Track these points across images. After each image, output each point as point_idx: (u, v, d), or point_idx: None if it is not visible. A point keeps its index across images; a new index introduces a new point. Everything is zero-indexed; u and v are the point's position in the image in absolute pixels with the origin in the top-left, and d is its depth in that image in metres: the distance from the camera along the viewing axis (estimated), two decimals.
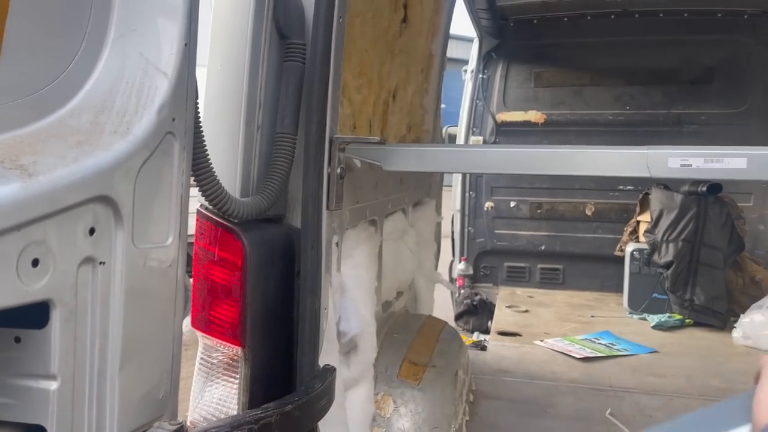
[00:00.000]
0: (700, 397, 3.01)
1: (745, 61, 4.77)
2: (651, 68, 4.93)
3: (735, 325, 3.91)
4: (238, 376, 1.03)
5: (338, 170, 1.13)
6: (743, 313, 3.94)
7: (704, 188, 4.23)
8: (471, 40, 5.45)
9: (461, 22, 4.79)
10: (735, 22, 4.81)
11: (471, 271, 5.32)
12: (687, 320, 4.19)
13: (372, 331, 1.90)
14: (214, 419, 0.99)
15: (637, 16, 4.93)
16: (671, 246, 4.27)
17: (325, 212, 1.10)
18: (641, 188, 4.71)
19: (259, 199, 1.02)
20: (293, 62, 1.06)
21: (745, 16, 4.79)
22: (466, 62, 5.56)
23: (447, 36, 3.46)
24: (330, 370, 1.16)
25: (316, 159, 1.06)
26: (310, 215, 1.06)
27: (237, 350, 1.02)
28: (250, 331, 1.02)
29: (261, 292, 1.05)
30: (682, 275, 4.23)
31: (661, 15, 4.89)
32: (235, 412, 1.00)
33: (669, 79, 4.90)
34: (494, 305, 4.88)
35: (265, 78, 1.05)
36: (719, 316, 4.14)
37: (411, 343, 2.38)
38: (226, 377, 1.03)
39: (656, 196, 4.45)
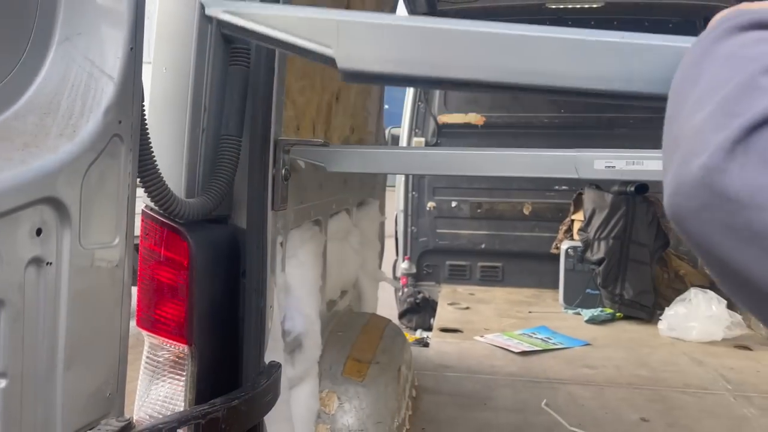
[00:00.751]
0: (629, 386, 3.19)
1: None
2: None
3: (661, 318, 4.16)
4: (184, 374, 1.04)
5: (283, 172, 1.16)
6: (668, 306, 4.19)
7: (632, 188, 4.47)
8: None
9: None
10: (660, 30, 5.07)
11: (414, 270, 5.42)
12: (617, 314, 4.41)
13: (316, 330, 1.93)
14: (161, 417, 1.00)
15: (570, 23, 5.14)
16: (603, 243, 4.48)
17: (270, 213, 1.13)
18: (575, 188, 4.91)
19: (205, 199, 1.04)
20: (238, 66, 1.08)
21: (670, 25, 5.08)
22: None
23: None
24: (275, 367, 1.19)
25: (261, 161, 1.09)
26: (255, 216, 1.09)
27: (183, 348, 1.04)
28: (196, 330, 1.04)
29: (207, 291, 1.07)
30: (613, 271, 4.46)
31: (592, 23, 5.11)
32: (182, 409, 1.02)
33: None
34: (436, 303, 4.99)
35: (210, 82, 1.07)
36: (647, 309, 4.38)
37: (355, 341, 2.43)
38: (172, 375, 1.05)
39: (589, 196, 4.66)
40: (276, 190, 1.14)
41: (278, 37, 0.88)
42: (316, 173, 1.92)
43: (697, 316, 3.96)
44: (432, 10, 4.70)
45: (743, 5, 0.67)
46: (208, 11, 0.97)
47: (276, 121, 1.13)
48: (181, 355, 1.05)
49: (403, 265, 5.43)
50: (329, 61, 0.88)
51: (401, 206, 5.43)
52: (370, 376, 2.22)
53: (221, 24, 0.98)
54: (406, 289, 5.30)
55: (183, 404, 1.04)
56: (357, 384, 2.16)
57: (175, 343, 1.04)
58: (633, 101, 0.86)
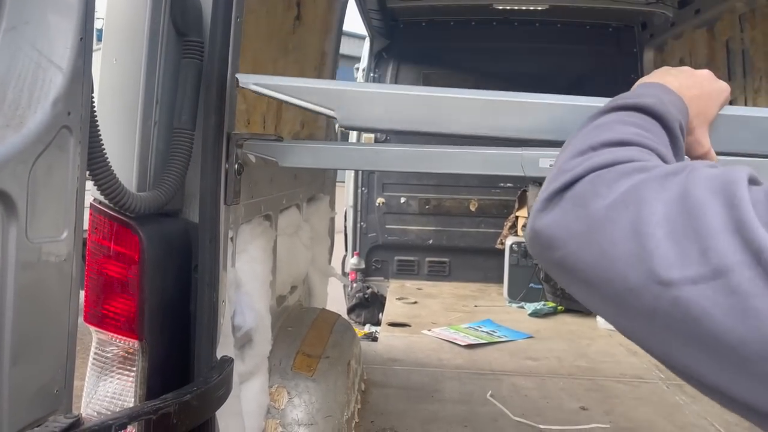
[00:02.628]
0: (569, 376, 3.31)
1: (609, 70, 5.25)
2: (530, 74, 5.28)
3: None
4: (134, 369, 1.03)
5: (236, 166, 1.16)
6: None
7: None
8: (364, 38, 5.55)
9: (354, 20, 4.88)
10: (601, 35, 5.27)
11: (363, 265, 5.45)
12: (559, 307, 4.57)
13: (267, 325, 1.93)
14: (110, 413, 0.99)
15: (516, 24, 5.27)
16: None
17: (222, 207, 1.13)
18: (520, 186, 5.05)
19: (157, 193, 1.03)
20: (191, 59, 1.07)
21: (610, 29, 5.28)
22: (358, 59, 5.65)
23: (340, 34, 3.52)
24: (227, 361, 1.19)
25: (214, 155, 1.08)
26: (208, 210, 1.09)
27: (134, 343, 1.03)
28: (147, 325, 1.03)
29: (158, 285, 1.06)
30: None
31: (537, 24, 5.26)
32: (132, 405, 1.01)
33: (545, 85, 5.22)
34: (385, 298, 5.03)
35: (162, 74, 1.06)
36: None
37: (305, 336, 2.43)
38: (121, 371, 1.03)
39: (533, 193, 4.79)
40: (229, 184, 1.14)
41: (296, 102, 1.10)
42: (267, 168, 1.91)
43: None
44: (382, 7, 4.72)
45: (642, 80, 0.82)
46: (242, 83, 1.12)
47: (229, 115, 1.12)
48: (131, 350, 1.03)
49: (353, 261, 5.45)
50: (334, 119, 1.10)
51: (351, 202, 5.45)
52: (320, 370, 2.23)
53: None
54: (355, 285, 5.33)
55: (133, 400, 1.03)
56: (307, 379, 2.17)
57: (124, 338, 1.03)
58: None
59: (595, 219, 0.55)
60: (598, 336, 4.05)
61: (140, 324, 1.03)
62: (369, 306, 5.06)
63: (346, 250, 5.56)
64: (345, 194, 5.44)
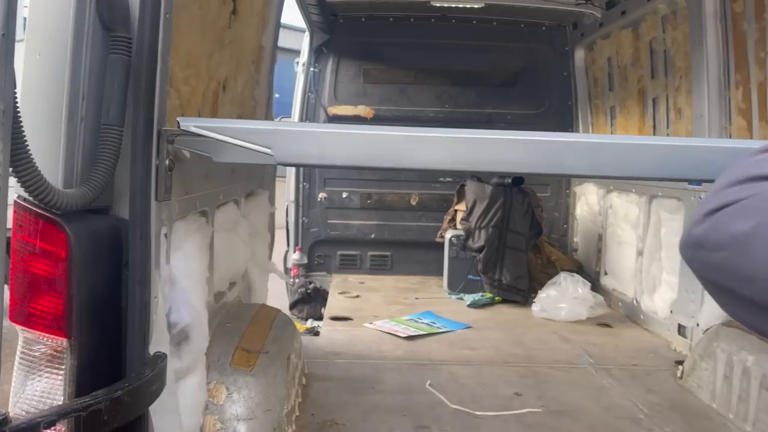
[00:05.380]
0: (505, 364, 3.43)
1: (543, 67, 5.43)
2: (467, 70, 5.41)
3: (534, 301, 4.49)
4: (63, 368, 1.02)
5: (167, 162, 1.16)
6: (541, 289, 4.53)
7: (509, 180, 4.77)
8: (304, 31, 5.53)
9: (294, 13, 4.86)
10: (535, 33, 5.45)
11: (305, 261, 5.45)
12: (496, 298, 4.71)
13: (203, 321, 1.92)
14: (38, 412, 0.98)
15: (454, 21, 5.37)
16: (483, 232, 4.75)
17: (153, 203, 1.13)
18: (458, 180, 5.16)
19: (84, 190, 1.02)
20: (118, 55, 1.07)
21: (543, 28, 5.45)
22: (298, 52, 5.63)
23: (278, 28, 3.51)
24: (161, 357, 1.19)
25: (144, 151, 1.08)
26: (138, 206, 1.09)
27: (62, 341, 1.02)
28: (76, 322, 1.02)
29: (87, 283, 1.05)
30: (492, 258, 4.74)
31: (474, 22, 5.38)
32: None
33: (482, 81, 5.43)
34: (328, 292, 5.05)
35: (88, 70, 1.04)
36: (522, 293, 4.71)
37: (244, 332, 2.43)
38: (50, 369, 1.02)
39: (470, 188, 4.92)
40: (160, 180, 1.14)
41: (235, 143, 1.19)
42: (202, 163, 1.89)
43: (566, 298, 4.33)
44: (321, 2, 4.72)
45: None
46: (183, 125, 1.18)
47: (159, 111, 1.12)
48: (59, 348, 1.03)
49: (294, 256, 5.44)
50: (271, 158, 1.21)
51: (292, 197, 5.43)
52: (259, 365, 2.24)
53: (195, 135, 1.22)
54: (297, 280, 5.32)
55: (62, 399, 1.02)
56: (246, 374, 2.17)
57: (52, 336, 1.02)
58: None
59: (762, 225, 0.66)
60: (533, 325, 4.21)
61: (68, 322, 1.02)
62: (311, 301, 5.07)
63: (288, 245, 5.54)
64: (286, 190, 5.42)
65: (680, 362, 3.31)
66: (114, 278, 1.13)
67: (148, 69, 1.08)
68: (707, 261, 0.72)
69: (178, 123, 1.16)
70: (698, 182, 3.45)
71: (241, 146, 1.21)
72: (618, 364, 3.43)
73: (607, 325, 4.19)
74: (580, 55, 5.34)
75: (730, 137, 3.38)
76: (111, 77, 1.07)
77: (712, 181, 1.04)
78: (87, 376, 1.06)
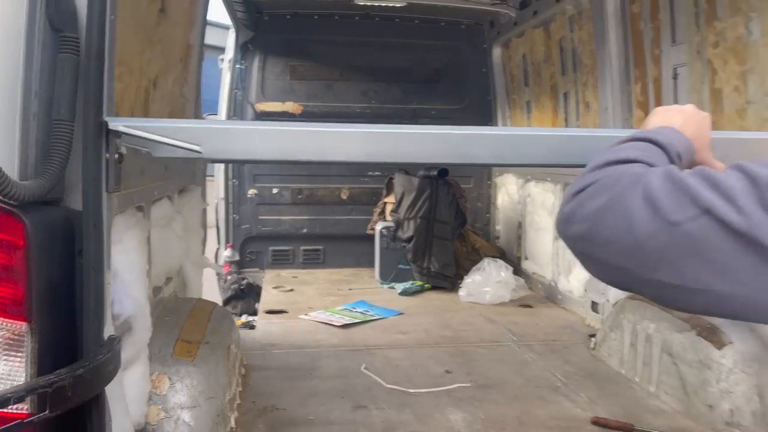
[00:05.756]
0: (436, 345, 3.62)
1: (463, 64, 5.68)
2: (391, 67, 5.57)
3: (461, 286, 4.72)
4: (24, 351, 1.08)
5: (116, 155, 1.23)
6: (467, 275, 4.77)
7: (435, 173, 4.98)
8: (227, 27, 5.51)
9: (219, 10, 4.85)
10: (455, 31, 5.68)
11: (237, 257, 5.46)
12: (426, 285, 4.91)
13: (146, 312, 1.97)
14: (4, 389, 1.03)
15: (377, 19, 5.52)
16: (412, 223, 4.94)
17: (105, 194, 1.20)
18: (386, 174, 5.33)
19: (41, 182, 1.08)
20: (68, 54, 1.13)
21: (463, 26, 5.70)
22: (221, 49, 5.61)
23: (204, 26, 3.53)
24: (115, 340, 1.26)
25: (95, 145, 1.15)
26: (91, 198, 1.15)
27: (22, 326, 1.08)
28: (35, 307, 1.09)
29: (44, 270, 1.11)
30: (421, 247, 4.94)
31: (397, 20, 5.54)
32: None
33: (406, 78, 5.60)
34: (261, 288, 5.09)
35: (39, 68, 1.10)
36: (450, 279, 4.94)
37: (183, 324, 2.48)
38: (10, 353, 1.08)
39: (399, 180, 5.09)
40: (110, 172, 1.21)
41: (165, 141, 1.23)
42: (138, 159, 1.94)
43: (490, 282, 4.58)
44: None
45: (656, 123, 1.09)
46: (112, 126, 1.18)
47: (108, 107, 1.19)
48: (19, 332, 1.08)
49: (226, 253, 5.44)
50: (200, 154, 1.24)
51: (221, 194, 5.42)
52: (201, 355, 2.30)
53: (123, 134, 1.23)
54: (229, 277, 5.32)
55: (24, 379, 1.08)
56: (188, 364, 2.23)
57: (12, 321, 1.07)
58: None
59: (618, 194, 0.79)
60: (460, 308, 4.44)
61: (28, 307, 1.08)
62: (245, 297, 5.10)
63: (219, 243, 5.53)
64: (215, 187, 5.40)
65: (593, 335, 3.61)
66: (68, 266, 1.19)
67: (96, 67, 1.15)
68: (575, 233, 0.85)
69: (107, 123, 1.21)
70: None
71: (172, 145, 1.25)
72: (538, 340, 3.70)
73: (528, 306, 4.47)
74: (497, 52, 5.62)
75: (632, 128, 3.71)
76: (61, 75, 1.13)
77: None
78: (47, 358, 1.12)
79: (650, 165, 0.88)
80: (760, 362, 2.58)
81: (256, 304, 4.89)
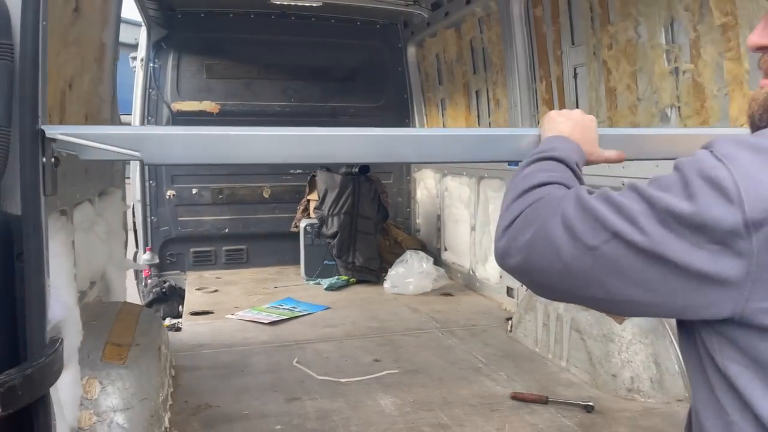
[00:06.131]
0: (363, 336, 3.74)
1: (380, 63, 5.82)
2: (309, 66, 5.62)
3: (385, 278, 4.87)
4: None
5: (52, 159, 1.25)
6: (390, 267, 4.93)
7: (356, 169, 5.10)
8: (138, 24, 5.37)
9: (126, 6, 4.71)
10: (370, 30, 5.80)
11: (157, 260, 5.35)
12: (351, 279, 5.02)
13: (76, 317, 1.95)
14: None
15: (293, 18, 5.55)
16: (335, 219, 5.04)
17: (43, 198, 1.22)
18: (308, 171, 5.38)
19: None
20: (2, 61, 1.14)
21: (378, 26, 5.83)
22: (132, 47, 5.45)
23: (118, 24, 3.46)
24: (57, 341, 1.28)
25: (32, 149, 1.17)
26: (29, 201, 1.17)
27: None
28: None
29: None
30: (345, 243, 5.04)
31: (313, 19, 5.60)
32: None
33: (324, 76, 5.67)
34: (184, 290, 5.02)
35: None
36: (374, 273, 5.08)
37: (111, 328, 2.46)
38: None
39: (321, 177, 5.17)
40: (47, 176, 1.23)
41: (103, 147, 1.24)
42: (60, 163, 1.92)
43: (412, 273, 4.76)
44: None
45: (546, 132, 1.25)
46: (49, 134, 1.18)
47: (42, 113, 1.22)
48: None
49: (145, 257, 5.31)
50: (139, 160, 1.24)
51: (138, 196, 5.29)
52: (132, 357, 2.30)
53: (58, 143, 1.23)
54: (150, 280, 5.21)
55: None
56: (119, 367, 2.23)
57: None
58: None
59: (541, 225, 0.89)
60: (385, 300, 4.58)
61: None
62: (167, 299, 5.01)
63: (137, 246, 5.39)
64: (131, 189, 5.26)
65: (509, 318, 3.85)
66: (7, 269, 1.20)
67: (32, 73, 1.17)
68: (514, 265, 0.93)
69: (43, 132, 1.23)
70: (516, 163, 4.01)
71: (111, 150, 1.25)
72: (460, 326, 3.90)
73: (449, 294, 4.69)
74: (411, 51, 5.80)
75: (538, 123, 3.98)
76: None
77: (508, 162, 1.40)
78: None
79: (560, 183, 1.01)
80: (655, 333, 2.88)
81: (180, 307, 4.82)
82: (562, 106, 3.77)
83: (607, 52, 3.28)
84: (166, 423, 2.47)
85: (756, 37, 0.91)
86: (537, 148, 1.18)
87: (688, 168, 0.77)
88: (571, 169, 1.09)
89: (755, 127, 0.89)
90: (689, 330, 0.86)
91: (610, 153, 1.32)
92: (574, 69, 3.63)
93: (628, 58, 3.15)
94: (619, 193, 0.85)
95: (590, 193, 0.89)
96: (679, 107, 2.88)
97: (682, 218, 0.75)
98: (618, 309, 0.88)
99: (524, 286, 0.98)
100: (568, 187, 0.99)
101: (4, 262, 1.20)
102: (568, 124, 1.23)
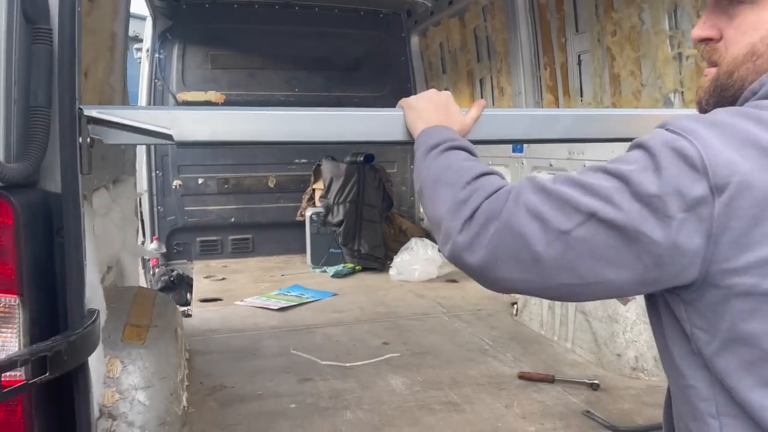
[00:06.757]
0: (371, 321, 3.81)
1: (383, 53, 5.86)
2: (313, 56, 5.66)
3: (391, 266, 4.94)
4: (16, 323, 1.15)
5: (88, 140, 1.31)
6: (396, 255, 4.99)
7: (361, 158, 5.15)
8: (142, 18, 5.41)
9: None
10: (374, 20, 5.84)
11: (164, 250, 5.40)
12: (357, 267, 5.09)
13: (100, 295, 2.02)
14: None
15: (297, 8, 5.58)
16: (341, 207, 5.10)
17: (80, 177, 1.28)
18: (313, 161, 5.44)
19: (26, 164, 1.15)
20: (42, 45, 1.20)
21: (381, 15, 5.86)
22: (137, 39, 5.49)
23: (128, 15, 3.50)
24: (95, 312, 1.35)
25: (71, 129, 1.23)
26: (69, 180, 1.23)
27: (13, 299, 1.15)
28: (25, 282, 1.16)
29: (30, 247, 1.19)
30: (351, 231, 5.11)
31: (317, 9, 5.63)
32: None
33: (328, 66, 5.71)
34: (192, 279, 5.08)
35: (17, 58, 1.17)
36: (380, 260, 5.14)
37: (129, 310, 2.52)
38: (3, 326, 1.15)
39: (326, 166, 5.22)
40: (83, 156, 1.29)
41: (137, 125, 1.31)
42: None
43: (418, 260, 4.82)
44: None
45: (416, 124, 1.22)
46: (87, 112, 1.26)
47: (79, 94, 1.27)
48: (10, 306, 1.16)
49: (152, 246, 5.37)
50: (170, 137, 1.29)
51: (145, 186, 5.34)
52: (150, 338, 2.37)
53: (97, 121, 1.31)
54: (158, 270, 5.27)
55: (17, 349, 1.15)
56: (139, 347, 2.29)
57: (5, 296, 1.15)
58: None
59: (506, 219, 0.86)
60: (391, 287, 4.65)
61: (19, 282, 1.16)
62: (176, 288, 5.08)
63: (144, 235, 5.44)
64: (138, 179, 5.30)
65: (515, 303, 3.92)
66: (47, 244, 1.27)
67: (70, 57, 1.23)
68: (477, 260, 0.88)
69: (81, 110, 1.29)
70: (521, 149, 4.07)
71: (143, 128, 1.30)
72: (466, 311, 3.97)
73: (454, 281, 4.75)
74: (415, 41, 5.84)
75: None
76: (37, 65, 1.20)
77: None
78: (35, 329, 1.20)
79: (492, 173, 0.99)
80: None
81: (188, 295, 4.89)
82: (566, 92, 3.83)
83: (611, 39, 3.33)
84: (184, 402, 2.54)
85: (698, 30, 0.94)
86: (428, 137, 1.13)
87: (653, 142, 0.79)
88: (469, 151, 1.08)
89: (703, 112, 0.91)
90: (655, 302, 0.89)
91: (472, 113, 1.32)
92: (579, 56, 3.68)
93: (632, 44, 3.20)
94: (578, 174, 0.85)
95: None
96: (682, 92, 2.94)
97: (654, 191, 0.76)
98: (586, 293, 0.86)
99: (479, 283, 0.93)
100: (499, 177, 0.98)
101: (45, 237, 1.26)
102: (433, 110, 1.22)
